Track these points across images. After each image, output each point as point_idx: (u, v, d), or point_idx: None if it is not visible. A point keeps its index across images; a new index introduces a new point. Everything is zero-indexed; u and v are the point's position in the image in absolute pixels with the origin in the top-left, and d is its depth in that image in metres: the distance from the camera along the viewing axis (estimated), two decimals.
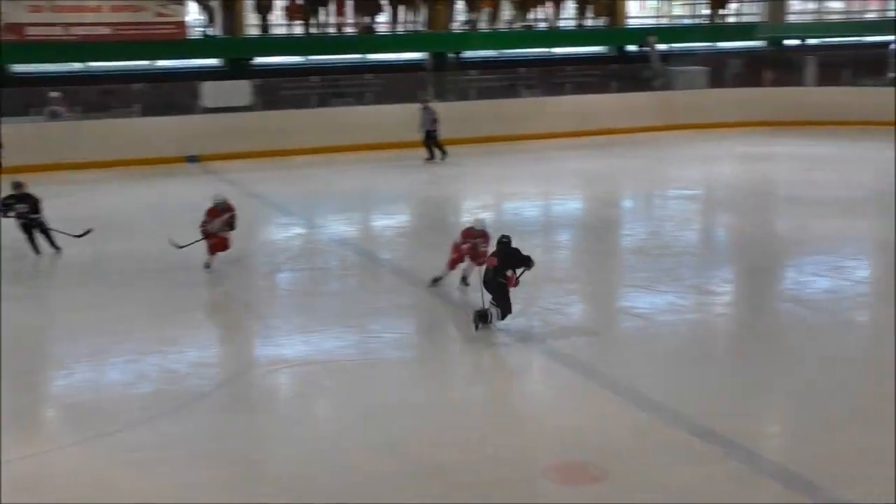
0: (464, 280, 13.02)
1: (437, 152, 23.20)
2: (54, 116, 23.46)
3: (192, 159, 23.38)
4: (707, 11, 32.22)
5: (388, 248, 16.28)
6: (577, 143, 25.72)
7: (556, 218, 19.23)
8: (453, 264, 12.98)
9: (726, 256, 16.04)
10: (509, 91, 27.90)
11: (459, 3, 28.77)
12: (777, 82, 30.03)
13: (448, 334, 12.11)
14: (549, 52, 30.63)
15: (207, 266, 14.00)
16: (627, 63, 30.05)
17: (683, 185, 21.06)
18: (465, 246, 12.79)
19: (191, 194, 20.03)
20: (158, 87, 25.04)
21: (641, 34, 30.14)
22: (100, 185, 20.82)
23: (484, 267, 11.84)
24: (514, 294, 11.84)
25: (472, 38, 28.72)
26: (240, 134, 24.06)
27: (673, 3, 32.74)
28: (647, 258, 15.09)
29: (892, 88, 29.33)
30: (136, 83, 24.90)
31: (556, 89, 28.23)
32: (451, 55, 28.71)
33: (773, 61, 31.26)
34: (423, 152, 23.23)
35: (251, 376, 10.49)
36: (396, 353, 11.19)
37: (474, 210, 19.31)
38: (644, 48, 29.57)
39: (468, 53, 29.00)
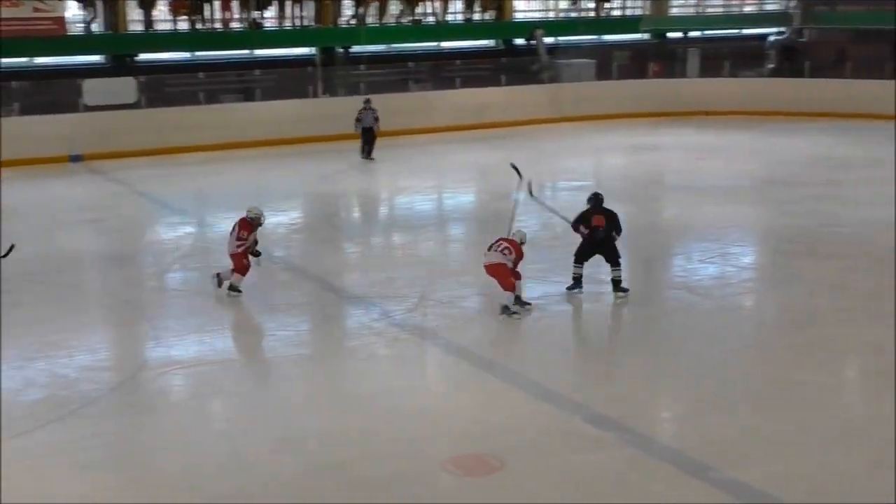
0: (522, 301, 11.92)
1: (368, 150, 22.85)
2: None
3: (76, 158, 22.82)
4: (592, 5, 32.72)
5: (282, 244, 16.11)
6: (467, 137, 25.86)
7: (449, 211, 19.29)
8: (513, 286, 11.78)
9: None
10: (399, 85, 27.92)
11: None
12: (661, 74, 30.70)
13: (343, 330, 12.07)
14: (437, 46, 30.74)
15: (238, 291, 12.58)
16: (515, 56, 30.33)
17: (574, 176, 21.33)
18: (518, 262, 11.85)
19: (75, 195, 19.61)
20: (38, 85, 24.36)
21: (528, 28, 30.44)
22: None
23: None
24: (408, 288, 11.84)
25: (360, 32, 28.63)
26: (125, 132, 23.59)
27: None
28: (539, 249, 15.23)
29: (771, 79, 30.32)
30: (14, 81, 24.17)
31: (445, 83, 28.37)
32: (339, 50, 28.58)
33: (657, 54, 31.94)
34: (322, 146, 23.08)
35: (143, 379, 10.28)
36: (292, 351, 11.10)
37: (367, 205, 19.29)
38: (531, 42, 29.88)
39: (357, 48, 28.90)
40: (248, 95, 26.45)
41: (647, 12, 33.11)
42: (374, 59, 28.98)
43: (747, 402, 9.41)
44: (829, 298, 12.50)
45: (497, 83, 28.65)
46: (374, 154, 22.71)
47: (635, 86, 29.67)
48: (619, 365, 10.61)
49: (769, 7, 35.83)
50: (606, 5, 32.89)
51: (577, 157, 23.70)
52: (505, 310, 11.73)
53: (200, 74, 26.28)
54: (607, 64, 30.24)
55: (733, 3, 36.65)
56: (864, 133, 25.36)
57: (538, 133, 26.61)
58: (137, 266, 14.65)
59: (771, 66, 31.13)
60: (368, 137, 22.85)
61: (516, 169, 13.35)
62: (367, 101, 23.12)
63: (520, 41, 30.79)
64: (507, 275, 11.72)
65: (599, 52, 30.93)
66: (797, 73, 29.58)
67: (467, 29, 31.01)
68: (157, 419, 9.37)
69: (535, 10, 32.46)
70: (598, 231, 12.32)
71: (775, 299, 12.95)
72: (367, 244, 16.42)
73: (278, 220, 17.97)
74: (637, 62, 31.11)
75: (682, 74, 30.68)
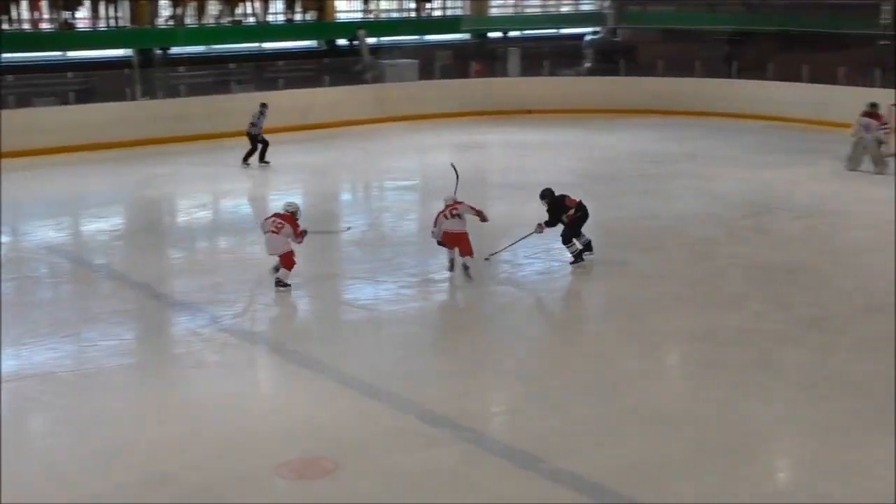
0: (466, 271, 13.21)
1: (257, 155, 22.01)
2: None
3: None
4: (413, 5, 32.94)
5: (102, 252, 15.61)
6: (292, 138, 25.58)
7: None
8: (472, 251, 13.23)
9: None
10: (221, 87, 27.42)
11: None
12: (483, 73, 31.18)
13: (169, 337, 11.77)
14: (259, 47, 30.37)
15: (288, 285, 12.71)
16: (339, 57, 30.26)
17: (400, 175, 21.42)
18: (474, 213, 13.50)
19: None
20: None
21: (351, 28, 30.41)
22: None
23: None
24: (236, 293, 11.61)
25: (178, 33, 28.00)
26: None
27: None
28: (367, 249, 15.25)
29: (589, 78, 31.19)
30: None
31: (268, 84, 28.01)
32: (157, 51, 27.86)
33: (478, 53, 32.42)
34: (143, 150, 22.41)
35: None
36: (115, 361, 10.74)
37: (191, 209, 18.87)
38: (354, 42, 29.86)
39: (176, 49, 28.23)
40: (62, 98, 25.45)
41: (467, 12, 33.56)
42: (194, 60, 28.36)
43: (575, 392, 9.62)
44: (649, 289, 12.91)
45: (321, 84, 28.49)
46: (182, 161, 21.90)
47: (458, 85, 30.01)
48: (450, 362, 10.70)
49: (584, 7, 36.86)
50: (427, 6, 33.16)
51: (403, 156, 23.80)
52: (465, 269, 13.04)
53: (9, 77, 25.14)
54: (430, 64, 30.52)
55: (550, 3, 37.54)
56: (676, 128, 26.37)
57: (363, 133, 26.61)
58: None
59: (588, 64, 32.01)
60: (256, 143, 22.06)
61: (454, 167, 14.62)
62: (264, 106, 22.28)
63: (342, 41, 30.73)
64: (468, 241, 13.07)
65: (422, 52, 31.17)
66: (613, 71, 30.49)
67: (289, 30, 30.75)
68: None
69: (357, 11, 32.45)
70: (582, 203, 13.58)
71: (599, 292, 13.30)
72: (192, 249, 16.07)
73: (98, 226, 17.44)
74: (459, 62, 31.52)
75: (504, 73, 31.22)
